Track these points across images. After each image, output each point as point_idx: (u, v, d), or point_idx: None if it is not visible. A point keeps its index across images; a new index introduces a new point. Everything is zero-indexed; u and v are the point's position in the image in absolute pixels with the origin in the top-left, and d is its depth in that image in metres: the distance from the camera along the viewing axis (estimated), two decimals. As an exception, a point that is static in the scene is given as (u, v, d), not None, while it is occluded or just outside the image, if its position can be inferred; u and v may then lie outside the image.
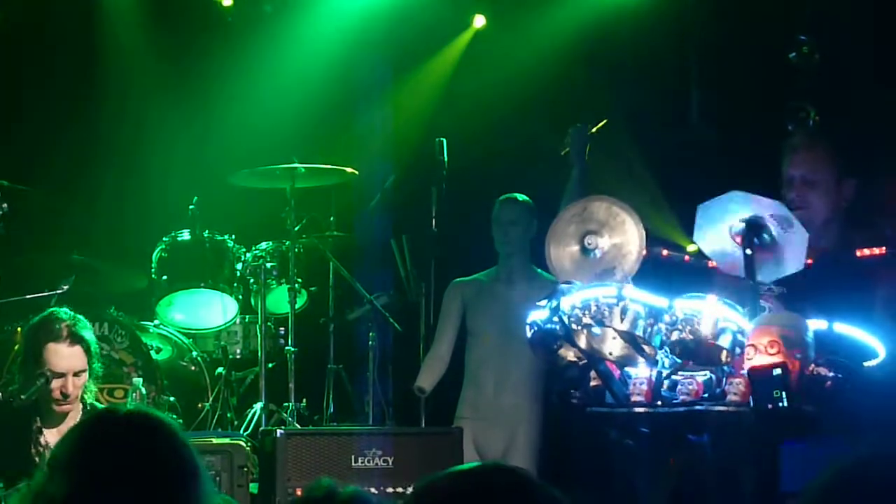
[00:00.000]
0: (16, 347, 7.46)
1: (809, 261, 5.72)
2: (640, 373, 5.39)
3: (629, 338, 5.37)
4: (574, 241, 5.70)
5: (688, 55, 8.74)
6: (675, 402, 5.34)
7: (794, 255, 5.62)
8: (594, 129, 7.49)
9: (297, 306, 8.28)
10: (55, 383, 6.19)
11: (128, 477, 2.79)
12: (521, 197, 7.96)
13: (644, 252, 5.64)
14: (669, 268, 6.09)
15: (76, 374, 6.26)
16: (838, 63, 7.65)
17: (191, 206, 8.37)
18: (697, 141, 8.57)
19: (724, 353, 5.28)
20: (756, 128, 7.76)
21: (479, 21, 9.57)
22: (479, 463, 2.60)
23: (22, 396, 6.23)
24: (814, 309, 5.42)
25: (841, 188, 5.99)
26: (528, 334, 5.60)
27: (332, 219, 8.72)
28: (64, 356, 6.24)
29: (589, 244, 5.65)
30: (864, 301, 5.61)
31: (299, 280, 8.35)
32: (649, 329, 5.35)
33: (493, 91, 9.00)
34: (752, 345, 5.17)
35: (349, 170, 8.33)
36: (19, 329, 7.46)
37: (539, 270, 7.48)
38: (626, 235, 5.62)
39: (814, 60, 7.67)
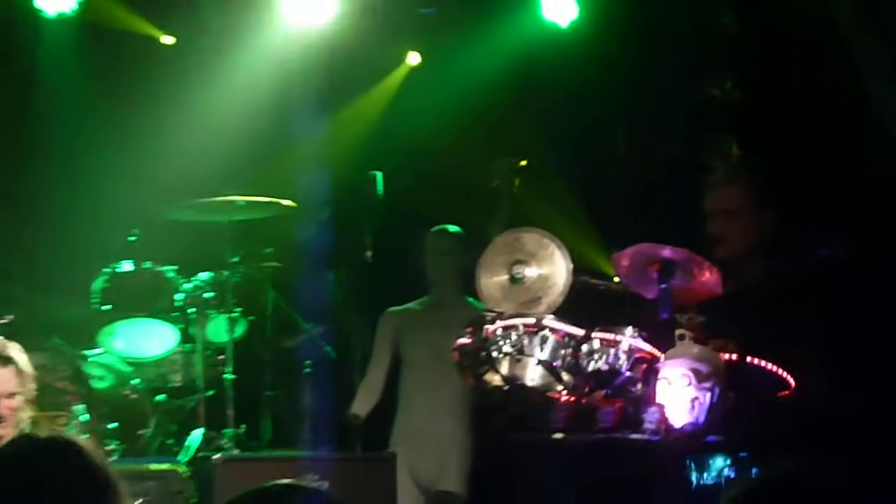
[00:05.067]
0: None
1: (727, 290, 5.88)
2: (562, 400, 5.47)
3: (548, 366, 5.46)
4: (503, 269, 5.78)
5: (613, 90, 8.81)
6: (594, 429, 5.48)
7: (708, 289, 5.81)
8: (522, 163, 7.64)
9: (235, 335, 8.27)
10: None
11: (43, 499, 2.82)
12: (452, 228, 8.09)
13: (570, 282, 5.73)
14: (595, 296, 6.22)
15: (9, 396, 6.18)
16: (759, 100, 7.87)
17: (131, 238, 8.41)
18: (623, 174, 8.68)
19: (639, 384, 5.40)
20: (679, 162, 7.89)
21: (414, 58, 9.66)
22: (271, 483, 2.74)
23: None
24: (732, 337, 5.61)
25: (761, 220, 6.00)
26: (456, 359, 5.73)
27: (270, 250, 8.69)
28: None
29: (517, 274, 5.73)
30: (780, 331, 5.68)
31: (238, 309, 8.34)
32: (568, 358, 5.46)
33: (427, 125, 9.04)
34: (665, 377, 5.30)
35: (286, 202, 8.33)
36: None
37: (470, 299, 7.49)
38: (553, 267, 5.72)
39: (735, 97, 8.00)
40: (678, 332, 5.61)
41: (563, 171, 8.47)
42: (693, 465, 5.37)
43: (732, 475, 5.33)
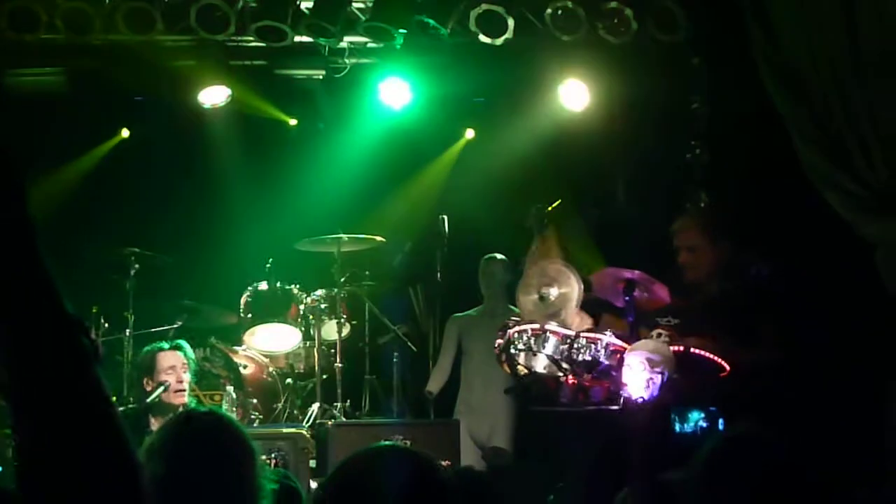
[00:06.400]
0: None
1: (694, 302, 6.07)
2: (567, 382, 5.62)
3: (552, 358, 5.66)
4: (534, 290, 5.97)
5: (614, 155, 8.75)
6: (587, 403, 5.57)
7: (660, 299, 6.01)
8: (549, 208, 7.17)
9: (342, 335, 8.37)
10: (173, 378, 6.35)
11: (204, 459, 2.79)
12: (499, 256, 8.24)
13: (582, 298, 5.91)
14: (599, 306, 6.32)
15: (184, 371, 6.44)
16: (721, 161, 7.90)
17: (267, 265, 8.52)
18: (623, 216, 8.68)
19: (613, 369, 5.51)
20: (664, 206, 7.70)
21: (470, 133, 9.70)
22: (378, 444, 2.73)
23: (147, 401, 6.29)
24: (698, 335, 5.64)
25: (717, 251, 6.05)
26: (496, 353, 5.93)
27: (367, 272, 8.79)
28: (171, 358, 6.45)
29: (544, 294, 5.91)
30: (729, 327, 5.74)
31: (344, 316, 8.44)
32: (565, 352, 5.62)
33: (479, 181, 9.05)
34: (628, 364, 5.42)
35: (379, 238, 8.53)
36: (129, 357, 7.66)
37: (512, 307, 7.38)
38: (570, 288, 5.92)
39: (704, 160, 8.02)
40: (656, 331, 5.72)
41: (578, 214, 8.36)
42: (676, 418, 5.28)
43: (705, 425, 5.24)
